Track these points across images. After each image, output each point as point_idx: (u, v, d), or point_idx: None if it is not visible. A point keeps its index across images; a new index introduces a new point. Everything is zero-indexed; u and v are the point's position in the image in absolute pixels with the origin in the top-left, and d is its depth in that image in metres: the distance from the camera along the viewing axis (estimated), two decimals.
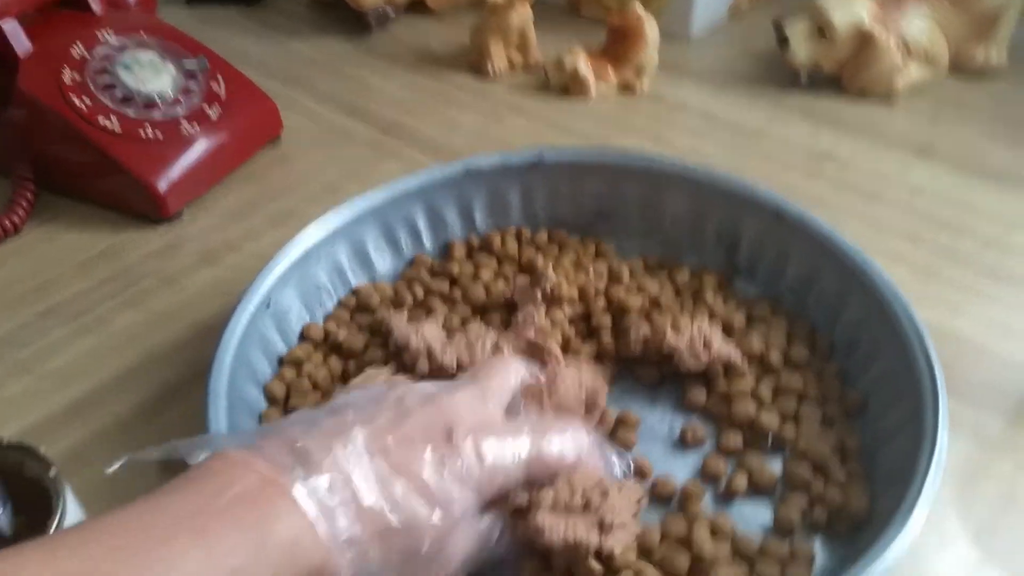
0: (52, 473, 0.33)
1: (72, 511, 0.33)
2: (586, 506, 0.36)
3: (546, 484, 0.37)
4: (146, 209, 0.62)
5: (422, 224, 0.57)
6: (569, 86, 0.75)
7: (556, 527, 0.36)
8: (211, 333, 0.53)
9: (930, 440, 0.40)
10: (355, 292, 0.54)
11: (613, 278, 0.53)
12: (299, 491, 0.30)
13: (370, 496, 0.32)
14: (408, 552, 0.32)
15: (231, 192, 0.66)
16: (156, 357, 0.52)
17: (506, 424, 0.38)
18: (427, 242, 0.57)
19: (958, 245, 0.60)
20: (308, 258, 0.52)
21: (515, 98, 0.76)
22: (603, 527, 0.37)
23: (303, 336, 0.51)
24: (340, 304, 0.53)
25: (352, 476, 0.32)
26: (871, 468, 0.44)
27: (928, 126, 0.72)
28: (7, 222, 0.60)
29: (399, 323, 0.48)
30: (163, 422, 0.48)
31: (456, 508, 0.33)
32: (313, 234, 0.52)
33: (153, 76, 0.63)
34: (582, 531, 0.36)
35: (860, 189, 0.65)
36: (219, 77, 0.66)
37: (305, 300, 0.52)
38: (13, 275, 0.58)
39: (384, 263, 0.56)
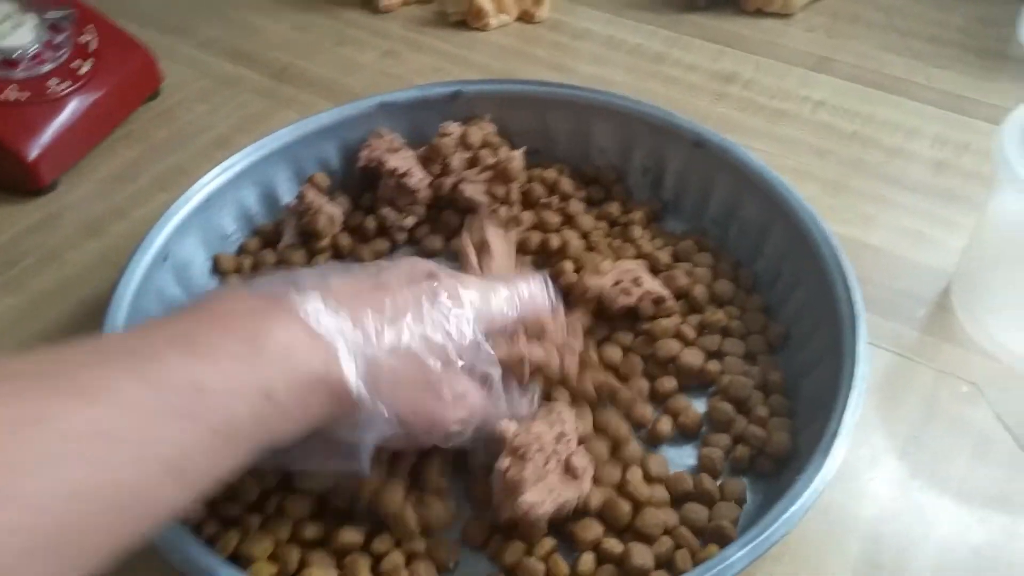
0: None
1: None
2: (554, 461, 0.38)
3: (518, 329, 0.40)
4: (16, 181, 0.57)
5: (336, 163, 0.54)
6: (467, 17, 0.72)
7: (543, 502, 0.36)
8: (101, 310, 0.50)
9: (849, 370, 0.40)
10: (256, 232, 0.52)
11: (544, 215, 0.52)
12: (297, 305, 0.32)
13: (369, 323, 0.33)
14: (415, 374, 0.34)
15: (111, 155, 0.61)
16: (43, 341, 0.49)
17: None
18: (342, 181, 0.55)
19: (864, 156, 0.61)
20: (211, 204, 0.49)
21: (412, 33, 0.73)
22: (575, 474, 0.38)
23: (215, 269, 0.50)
24: (243, 249, 0.51)
25: (352, 306, 0.33)
26: (795, 400, 0.44)
27: (826, 39, 0.73)
28: None
29: None
30: None
31: (451, 349, 0.36)
32: (215, 179, 0.49)
33: (11, 29, 0.57)
34: (567, 492, 0.37)
35: (765, 108, 0.65)
36: (88, 28, 0.61)
37: (209, 249, 0.49)
38: None
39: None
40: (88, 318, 0.50)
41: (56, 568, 0.23)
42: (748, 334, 0.47)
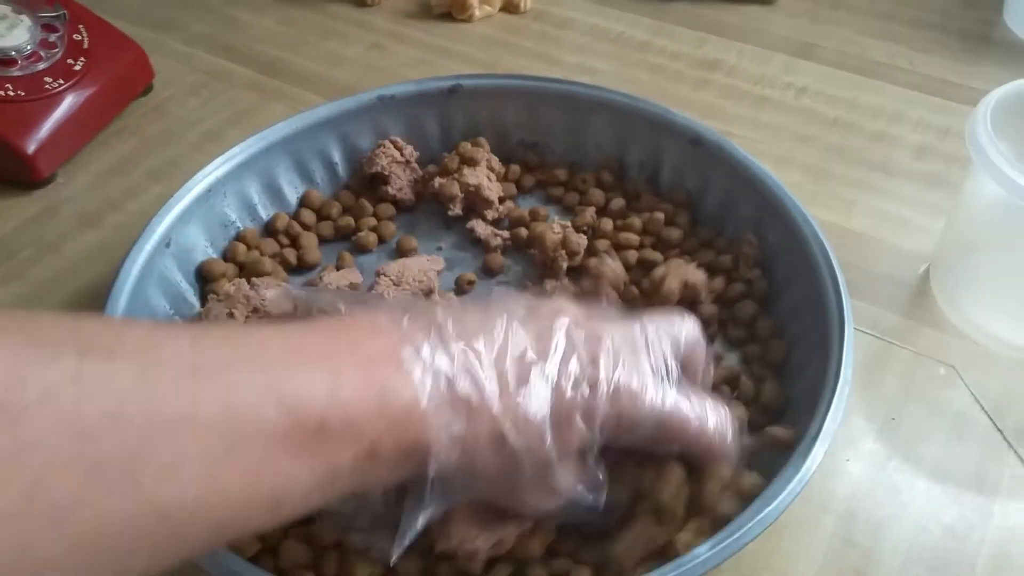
0: None
1: None
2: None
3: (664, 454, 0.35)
4: (16, 174, 0.58)
5: (337, 156, 0.55)
6: (451, 9, 0.73)
7: (474, 537, 0.34)
8: (98, 300, 0.51)
9: (833, 377, 0.40)
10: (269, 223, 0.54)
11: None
12: (417, 362, 0.29)
13: (491, 391, 0.30)
14: (506, 467, 0.30)
15: (106, 149, 0.62)
16: None
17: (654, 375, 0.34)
18: (343, 174, 0.56)
19: (846, 142, 0.62)
20: (213, 194, 0.50)
21: (397, 25, 0.74)
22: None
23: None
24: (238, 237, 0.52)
25: (480, 364, 0.30)
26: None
27: (808, 25, 0.73)
28: None
29: None
30: None
31: (575, 440, 0.31)
32: (216, 168, 0.50)
33: (7, 30, 0.58)
34: (503, 529, 0.34)
35: (748, 94, 0.66)
36: (80, 26, 0.62)
37: (211, 237, 0.50)
38: None
39: (296, 197, 0.55)
40: (85, 307, 0.51)
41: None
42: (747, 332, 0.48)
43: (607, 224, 0.52)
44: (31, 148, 0.57)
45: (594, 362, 0.32)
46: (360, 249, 0.53)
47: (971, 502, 0.42)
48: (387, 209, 0.54)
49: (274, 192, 0.53)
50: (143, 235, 0.46)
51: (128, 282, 0.44)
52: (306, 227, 0.53)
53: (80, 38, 0.61)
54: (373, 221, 0.54)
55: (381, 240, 0.53)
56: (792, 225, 0.47)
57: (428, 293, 0.48)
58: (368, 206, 0.54)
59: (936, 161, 0.60)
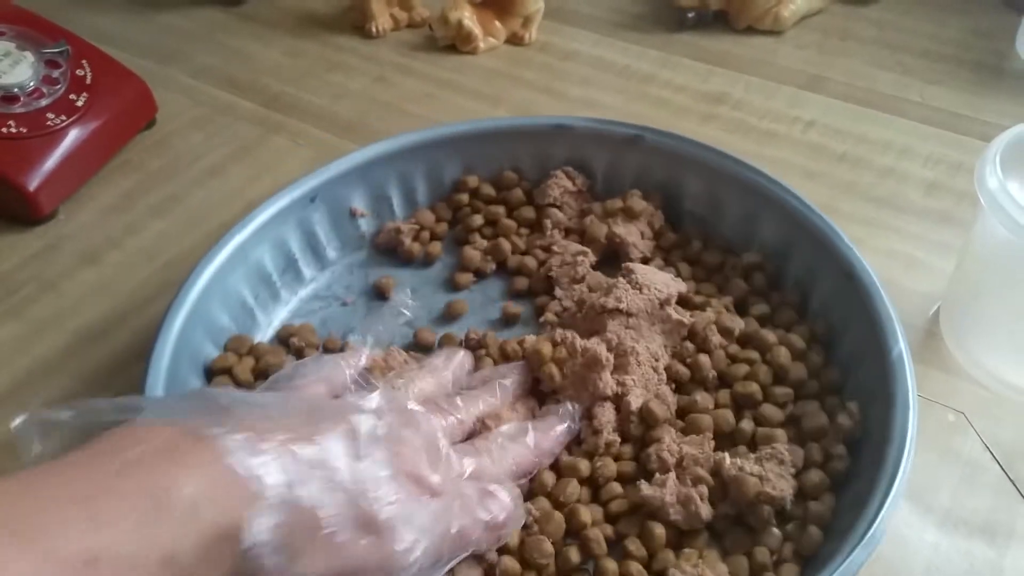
0: None
1: None
2: None
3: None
4: (17, 211, 0.58)
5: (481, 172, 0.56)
6: (456, 41, 0.73)
7: None
8: (98, 337, 0.51)
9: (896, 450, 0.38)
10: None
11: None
12: (214, 442, 0.28)
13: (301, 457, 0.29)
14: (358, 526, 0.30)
15: (108, 185, 0.62)
16: (39, 369, 0.49)
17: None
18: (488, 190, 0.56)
19: (855, 178, 0.61)
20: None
21: (402, 58, 0.74)
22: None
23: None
24: None
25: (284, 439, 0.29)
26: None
27: (817, 57, 0.73)
28: None
29: None
30: None
31: (416, 550, 0.32)
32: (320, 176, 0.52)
33: (11, 67, 0.59)
34: None
35: (755, 129, 0.65)
36: (83, 62, 0.62)
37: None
38: None
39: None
40: (83, 347, 0.50)
41: None
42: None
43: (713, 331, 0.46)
44: (32, 185, 0.57)
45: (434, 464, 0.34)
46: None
47: (982, 555, 0.41)
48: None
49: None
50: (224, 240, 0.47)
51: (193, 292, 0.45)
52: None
53: (83, 73, 0.61)
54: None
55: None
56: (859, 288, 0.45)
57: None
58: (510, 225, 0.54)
59: (947, 198, 0.59)
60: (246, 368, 0.45)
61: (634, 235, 0.52)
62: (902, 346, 0.41)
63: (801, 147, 0.64)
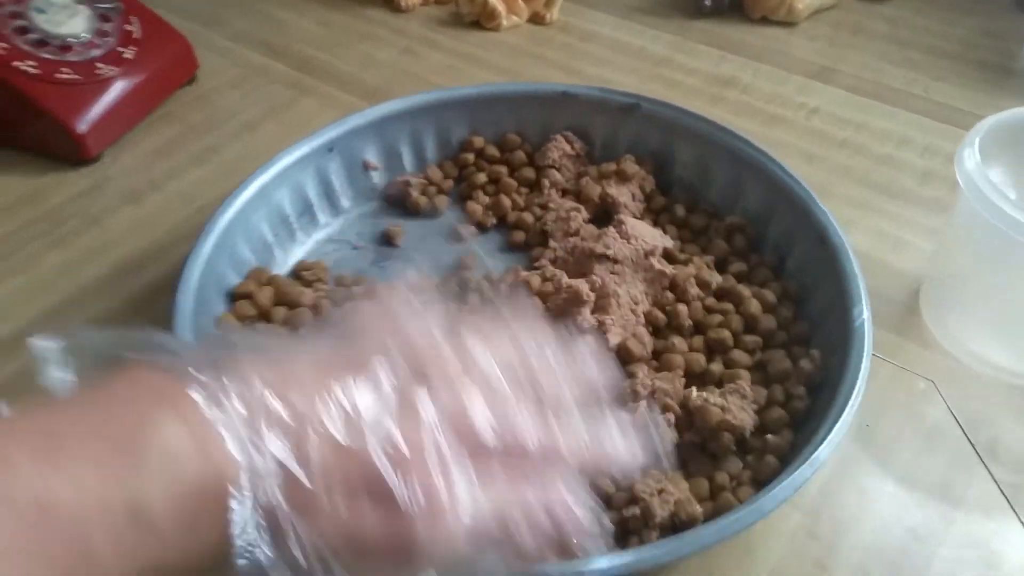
0: None
1: None
2: None
3: None
4: (67, 152, 0.63)
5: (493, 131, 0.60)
6: (480, 18, 0.77)
7: None
8: (136, 269, 0.55)
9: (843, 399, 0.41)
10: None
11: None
12: (201, 386, 0.25)
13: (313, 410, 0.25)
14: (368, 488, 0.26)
15: (151, 133, 0.66)
16: (84, 293, 0.54)
17: None
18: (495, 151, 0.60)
19: (853, 163, 0.64)
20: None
21: (429, 32, 0.78)
22: None
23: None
24: None
25: (296, 388, 0.26)
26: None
27: (827, 48, 0.76)
28: None
29: None
30: None
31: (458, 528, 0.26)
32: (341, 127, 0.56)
33: (67, 18, 0.63)
34: None
35: (760, 112, 0.69)
36: (133, 18, 0.67)
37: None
38: None
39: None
40: (125, 275, 0.55)
41: None
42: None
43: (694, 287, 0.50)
44: (82, 128, 0.61)
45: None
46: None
47: (935, 509, 0.44)
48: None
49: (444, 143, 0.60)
50: (248, 182, 0.52)
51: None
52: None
53: (132, 29, 0.66)
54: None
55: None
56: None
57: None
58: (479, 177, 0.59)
59: (940, 187, 0.62)
60: (266, 295, 0.49)
61: (625, 196, 0.55)
62: (864, 305, 0.45)
63: (804, 132, 0.67)
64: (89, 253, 0.57)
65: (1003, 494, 0.45)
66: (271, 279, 0.51)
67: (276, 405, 0.25)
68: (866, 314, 0.44)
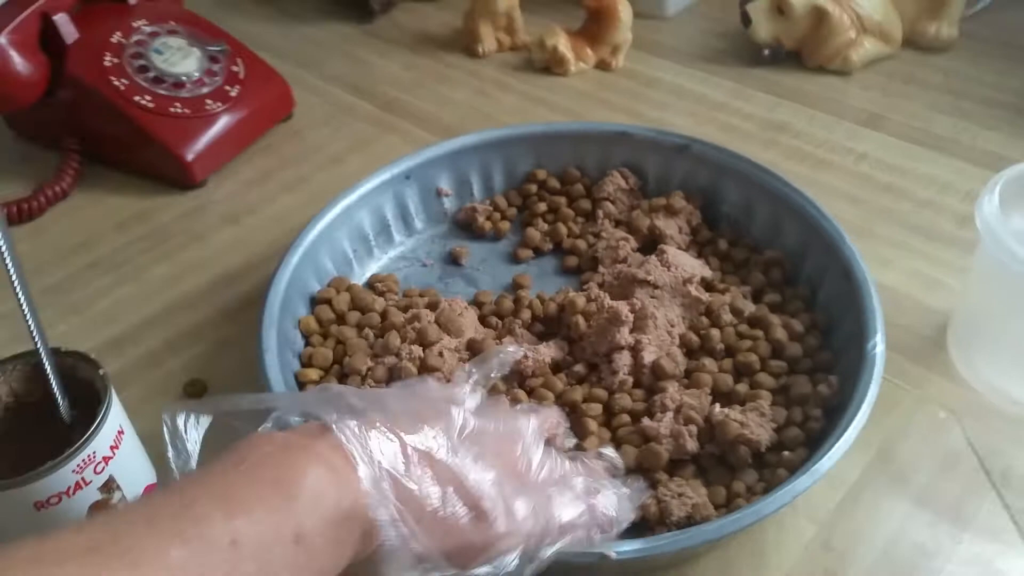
0: (101, 372, 0.42)
1: (117, 403, 0.42)
2: None
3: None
4: (176, 177, 0.71)
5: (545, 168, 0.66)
6: (550, 64, 0.83)
7: None
8: (231, 282, 0.62)
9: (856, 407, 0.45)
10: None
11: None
12: (332, 433, 0.33)
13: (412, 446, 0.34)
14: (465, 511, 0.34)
15: (250, 162, 0.75)
16: (184, 302, 0.61)
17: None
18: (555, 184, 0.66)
19: (895, 206, 0.67)
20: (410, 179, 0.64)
21: (502, 76, 0.85)
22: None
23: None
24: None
25: (403, 429, 0.34)
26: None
27: (880, 97, 0.79)
28: (57, 188, 0.70)
29: None
30: (187, 356, 0.58)
31: (524, 527, 0.36)
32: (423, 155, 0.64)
33: (181, 59, 0.72)
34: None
35: (810, 156, 0.72)
36: (238, 60, 0.75)
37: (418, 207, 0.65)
38: (62, 233, 0.68)
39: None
40: (219, 287, 0.62)
41: None
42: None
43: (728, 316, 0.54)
44: (189, 156, 0.70)
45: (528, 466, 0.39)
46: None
47: (945, 528, 0.46)
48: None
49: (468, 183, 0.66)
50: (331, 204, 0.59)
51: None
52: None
53: (237, 70, 0.74)
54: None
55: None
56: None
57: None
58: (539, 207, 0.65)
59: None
60: (343, 301, 0.56)
61: (672, 228, 0.60)
62: (878, 337, 0.48)
63: (851, 176, 0.70)
64: (191, 267, 0.64)
65: (1012, 518, 0.47)
66: (349, 287, 0.57)
67: (389, 438, 0.34)
68: (880, 346, 0.48)
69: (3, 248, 0.38)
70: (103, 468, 0.40)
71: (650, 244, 0.61)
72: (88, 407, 0.41)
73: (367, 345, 0.53)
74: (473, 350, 0.52)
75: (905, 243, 0.64)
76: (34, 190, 0.69)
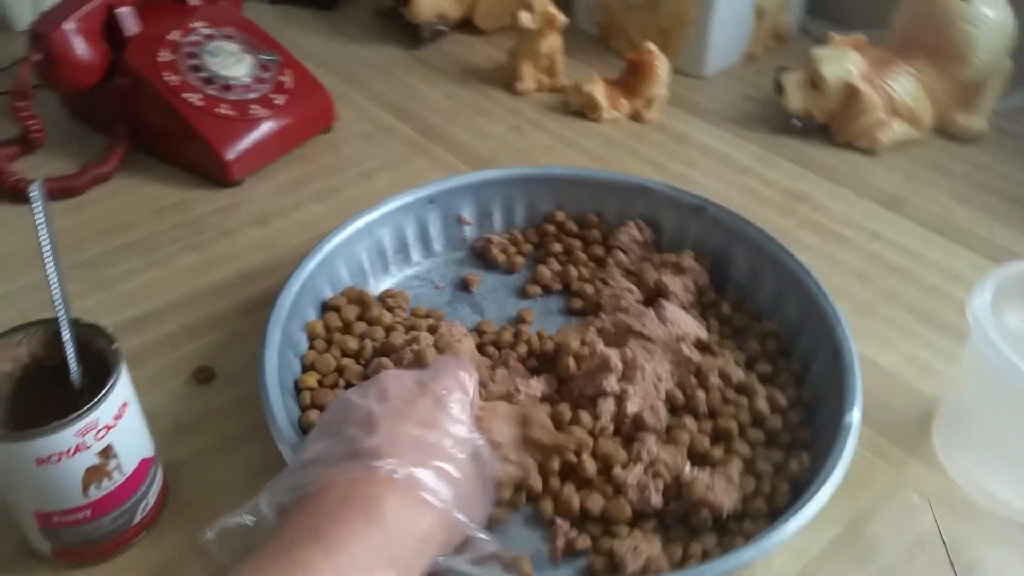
0: (114, 347, 0.44)
1: (125, 377, 0.44)
2: None
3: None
4: (215, 174, 0.74)
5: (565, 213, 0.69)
6: (585, 109, 0.86)
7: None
8: (254, 278, 0.65)
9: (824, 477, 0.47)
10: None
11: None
12: (387, 473, 0.38)
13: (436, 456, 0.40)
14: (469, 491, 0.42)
15: (286, 168, 0.78)
16: (206, 292, 0.64)
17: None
18: (573, 227, 0.68)
19: (901, 289, 0.68)
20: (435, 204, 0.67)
21: (538, 115, 0.87)
22: None
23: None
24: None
25: (417, 448, 0.40)
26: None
27: (903, 180, 0.80)
28: (102, 170, 0.73)
29: None
30: (201, 343, 0.60)
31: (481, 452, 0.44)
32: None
33: (233, 63, 0.76)
34: None
35: (826, 230, 0.73)
36: (287, 71, 0.78)
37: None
38: (102, 213, 0.72)
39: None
40: (241, 283, 0.65)
41: None
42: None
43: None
44: (230, 156, 0.73)
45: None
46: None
47: None
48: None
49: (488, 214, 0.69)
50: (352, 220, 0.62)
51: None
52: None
53: (285, 80, 0.77)
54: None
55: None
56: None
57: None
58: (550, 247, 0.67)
59: None
60: (351, 311, 0.58)
61: (678, 286, 0.62)
62: (853, 419, 0.50)
63: (863, 253, 0.71)
64: (218, 260, 0.67)
65: None
66: (360, 296, 0.60)
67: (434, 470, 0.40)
68: (854, 427, 0.49)
69: (39, 220, 0.41)
70: (104, 436, 0.43)
71: (655, 297, 0.63)
72: (99, 377, 0.43)
73: (361, 367, 0.55)
74: None
75: (906, 326, 0.64)
76: (80, 169, 0.73)
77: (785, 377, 0.57)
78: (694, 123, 0.87)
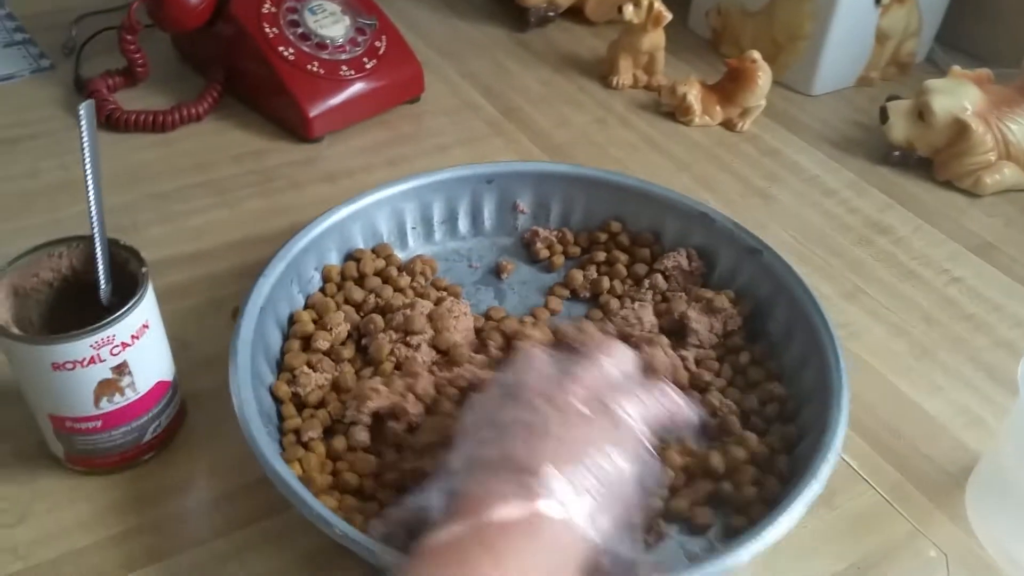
0: (144, 270, 0.47)
1: (149, 300, 0.47)
2: None
3: None
4: (297, 127, 0.77)
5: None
6: (676, 111, 0.84)
7: None
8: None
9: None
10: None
11: None
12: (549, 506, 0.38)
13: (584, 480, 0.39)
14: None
15: (366, 132, 0.80)
16: (262, 238, 0.67)
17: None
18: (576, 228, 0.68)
19: (969, 338, 0.64)
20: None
21: (627, 111, 0.86)
22: None
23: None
24: None
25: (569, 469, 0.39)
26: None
27: (1001, 227, 0.75)
28: (194, 110, 0.77)
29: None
30: (246, 286, 0.60)
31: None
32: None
33: (331, 24, 0.78)
34: None
35: (901, 266, 0.70)
36: (383, 37, 0.80)
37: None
38: (185, 151, 0.76)
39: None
40: (291, 230, 0.65)
41: None
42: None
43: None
44: (313, 112, 0.75)
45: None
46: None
47: None
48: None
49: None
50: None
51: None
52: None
53: (379, 45, 0.79)
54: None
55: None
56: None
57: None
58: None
59: None
60: (371, 265, 0.60)
61: (702, 325, 0.58)
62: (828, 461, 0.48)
63: (935, 295, 0.67)
64: (281, 210, 0.70)
65: None
66: (389, 256, 0.61)
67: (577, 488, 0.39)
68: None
69: (85, 139, 0.44)
70: (119, 352, 0.45)
71: (680, 329, 0.59)
72: (127, 298, 0.46)
73: (359, 318, 0.57)
74: (447, 352, 0.54)
75: (963, 375, 0.61)
76: (172, 106, 0.77)
77: (766, 444, 0.53)
78: (788, 139, 0.84)
